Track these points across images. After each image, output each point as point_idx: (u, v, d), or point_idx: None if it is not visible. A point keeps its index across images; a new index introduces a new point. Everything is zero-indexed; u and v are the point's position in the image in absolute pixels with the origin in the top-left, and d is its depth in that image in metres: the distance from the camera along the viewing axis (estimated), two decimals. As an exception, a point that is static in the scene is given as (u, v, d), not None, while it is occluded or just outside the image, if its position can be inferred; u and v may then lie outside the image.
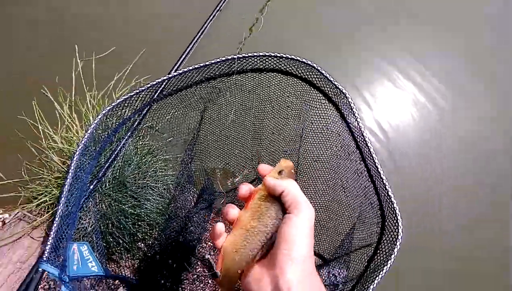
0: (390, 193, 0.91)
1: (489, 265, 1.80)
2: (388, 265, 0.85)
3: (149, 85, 1.03)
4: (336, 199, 1.22)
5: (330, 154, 1.17)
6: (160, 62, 1.46)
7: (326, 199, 1.29)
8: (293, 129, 1.26)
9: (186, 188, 1.20)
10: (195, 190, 1.25)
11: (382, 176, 0.93)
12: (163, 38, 1.83)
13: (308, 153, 1.25)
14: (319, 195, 1.31)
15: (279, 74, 1.12)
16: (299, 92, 1.15)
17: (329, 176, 1.23)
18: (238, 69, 1.12)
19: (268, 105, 1.25)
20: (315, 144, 1.20)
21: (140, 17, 2.04)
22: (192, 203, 1.21)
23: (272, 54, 1.08)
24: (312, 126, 1.17)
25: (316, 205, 1.34)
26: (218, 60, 1.07)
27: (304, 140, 1.24)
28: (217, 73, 1.13)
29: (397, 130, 2.15)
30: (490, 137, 2.18)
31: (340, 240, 1.21)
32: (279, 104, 1.23)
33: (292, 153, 1.32)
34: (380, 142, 2.11)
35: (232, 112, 1.21)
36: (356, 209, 1.12)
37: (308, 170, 1.29)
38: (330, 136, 1.13)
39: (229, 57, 1.08)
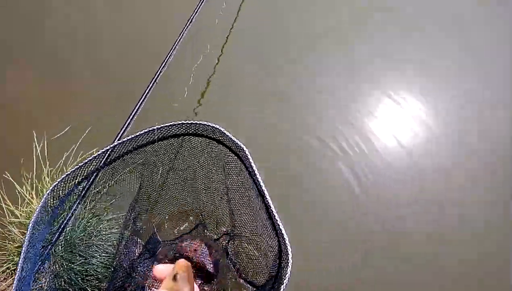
0: (283, 232, 1.09)
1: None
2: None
3: (86, 160, 1.24)
4: (262, 234, 1.39)
5: (248, 198, 1.36)
6: (105, 136, 1.69)
7: (260, 236, 1.47)
8: (219, 179, 1.46)
9: (130, 241, 1.38)
10: (140, 241, 1.44)
11: (276, 217, 1.11)
12: (105, 115, 2.11)
13: (236, 198, 1.44)
14: (255, 233, 1.48)
15: (193, 136, 1.35)
16: (216, 150, 1.37)
17: (253, 217, 1.41)
18: (159, 136, 1.34)
19: (195, 163, 1.45)
20: (237, 190, 1.40)
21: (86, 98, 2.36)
22: (136, 254, 1.39)
23: (184, 122, 1.30)
24: (231, 175, 1.38)
25: (253, 241, 1.52)
26: (141, 132, 1.29)
27: (230, 189, 1.43)
28: (143, 142, 1.35)
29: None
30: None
31: (267, 269, 1.37)
32: (203, 161, 1.43)
33: (223, 200, 1.52)
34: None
35: (160, 172, 1.42)
36: (275, 243, 1.29)
37: (241, 211, 1.48)
38: (243, 184, 1.33)
39: (150, 129, 1.30)
